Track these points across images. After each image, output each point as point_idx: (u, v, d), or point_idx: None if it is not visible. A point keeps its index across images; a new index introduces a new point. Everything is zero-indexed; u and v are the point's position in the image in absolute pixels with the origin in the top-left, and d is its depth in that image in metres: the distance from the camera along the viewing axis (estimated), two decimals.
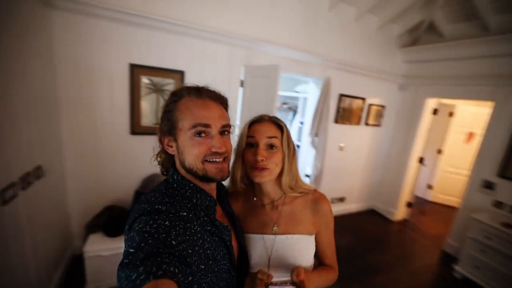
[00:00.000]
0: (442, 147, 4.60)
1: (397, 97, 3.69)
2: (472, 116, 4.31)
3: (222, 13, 2.28)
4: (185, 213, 0.59)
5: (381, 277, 2.45)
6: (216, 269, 0.61)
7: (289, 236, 0.80)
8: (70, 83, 1.90)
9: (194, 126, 0.60)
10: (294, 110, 4.51)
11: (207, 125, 0.61)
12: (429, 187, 4.78)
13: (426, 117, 3.45)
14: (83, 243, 1.88)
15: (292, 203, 0.84)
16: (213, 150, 0.62)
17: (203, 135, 0.61)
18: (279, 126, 0.80)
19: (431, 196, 4.75)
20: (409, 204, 3.78)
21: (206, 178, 0.64)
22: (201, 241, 0.58)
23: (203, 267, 0.57)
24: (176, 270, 0.45)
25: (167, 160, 0.71)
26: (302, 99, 3.79)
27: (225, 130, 0.65)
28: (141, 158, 2.23)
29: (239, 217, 0.85)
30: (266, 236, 0.80)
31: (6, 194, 1.19)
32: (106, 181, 2.19)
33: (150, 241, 0.47)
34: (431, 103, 3.41)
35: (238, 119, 2.51)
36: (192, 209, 0.63)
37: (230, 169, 0.76)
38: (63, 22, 1.79)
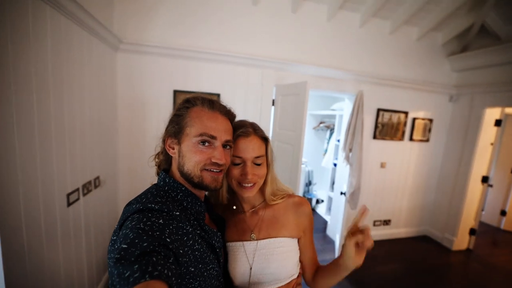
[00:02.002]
0: None
1: (447, 109, 3.34)
2: None
3: (251, 39, 2.48)
4: (178, 213, 0.59)
5: None
6: (205, 273, 0.61)
7: (272, 240, 0.79)
8: (127, 111, 2.27)
9: (201, 135, 0.63)
10: (331, 129, 4.41)
11: (213, 136, 0.63)
12: (503, 213, 4.02)
13: (487, 130, 3.01)
14: None
15: (273, 208, 0.84)
16: (213, 160, 0.63)
17: (206, 144, 0.64)
18: (264, 138, 0.79)
19: (505, 223, 3.96)
20: (473, 231, 3.22)
21: (200, 185, 0.65)
22: (191, 241, 0.58)
23: (192, 269, 0.57)
24: (170, 274, 0.44)
25: (165, 162, 0.73)
26: (338, 117, 3.71)
27: (228, 144, 0.68)
28: None
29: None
30: (246, 243, 0.79)
31: (71, 198, 1.46)
32: None
33: (144, 238, 0.46)
34: (492, 113, 2.99)
35: (270, 137, 2.59)
36: (183, 211, 0.63)
37: None
38: (124, 61, 2.19)
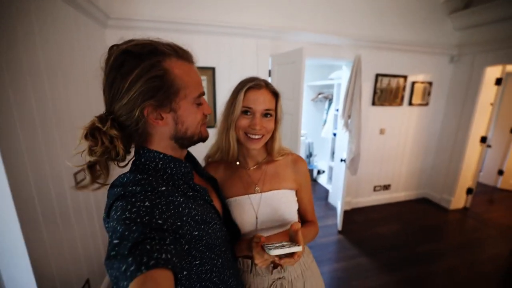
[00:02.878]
0: None
1: (447, 71, 3.27)
2: None
3: (245, 8, 2.37)
4: (163, 188, 0.54)
5: (431, 266, 2.24)
6: (209, 230, 0.62)
7: (275, 192, 0.85)
8: None
9: (199, 95, 0.61)
10: (329, 99, 4.37)
11: (203, 93, 0.64)
12: (500, 172, 4.11)
13: (487, 89, 2.98)
14: None
15: (274, 163, 0.90)
16: (205, 113, 0.65)
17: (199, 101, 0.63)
18: (275, 93, 0.82)
19: (502, 182, 4.07)
20: (470, 190, 3.32)
21: (199, 140, 0.66)
22: (187, 210, 0.57)
23: (196, 233, 0.57)
24: (169, 256, 0.41)
25: (127, 137, 0.58)
26: (336, 86, 3.65)
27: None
28: None
29: (222, 184, 0.87)
30: (252, 196, 0.84)
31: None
32: None
33: (134, 228, 0.43)
34: (493, 72, 2.94)
35: None
36: (169, 179, 0.60)
37: (222, 140, 0.84)
38: (113, 38, 2.11)
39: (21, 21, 1.11)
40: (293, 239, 0.65)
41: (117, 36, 2.11)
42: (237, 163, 0.90)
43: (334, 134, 3.70)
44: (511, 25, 2.64)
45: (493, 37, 2.82)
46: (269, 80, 2.62)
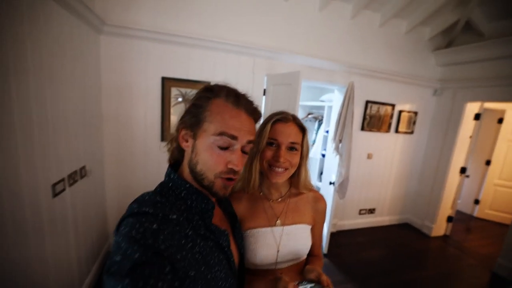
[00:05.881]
0: (490, 157, 4.14)
1: (431, 102, 3.47)
2: None
3: (243, 26, 2.42)
4: (174, 216, 0.54)
5: None
6: (209, 276, 0.56)
7: (297, 225, 0.86)
8: (112, 98, 2.16)
9: (220, 134, 0.56)
10: (319, 120, 4.46)
11: (234, 137, 0.57)
12: (476, 201, 4.29)
13: (467, 124, 3.17)
14: None
15: (296, 197, 0.91)
16: (229, 166, 0.58)
17: (225, 147, 0.58)
18: (302, 128, 0.83)
19: (478, 211, 4.25)
20: (450, 219, 3.43)
21: (208, 190, 0.60)
22: (190, 244, 0.54)
23: (192, 274, 0.52)
24: (165, 286, 0.42)
25: (177, 151, 0.67)
26: (327, 108, 3.75)
27: (247, 146, 0.62)
28: None
29: (245, 215, 0.85)
30: (275, 228, 0.84)
31: (57, 188, 1.39)
32: (139, 182, 2.39)
33: (136, 247, 0.44)
34: (472, 107, 3.13)
35: None
36: (185, 211, 0.59)
37: (245, 171, 0.82)
38: (108, 45, 2.07)
39: (11, 20, 1.05)
40: (306, 276, 0.71)
41: (111, 42, 2.08)
42: (261, 193, 0.89)
43: (323, 155, 3.74)
44: (489, 65, 2.87)
45: (473, 75, 3.04)
46: (263, 99, 2.63)
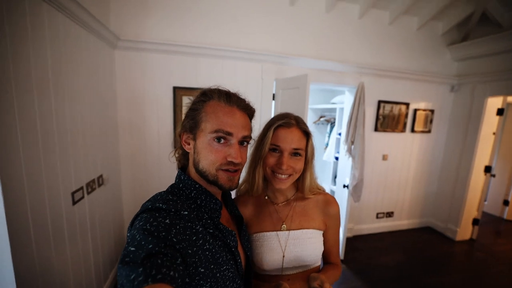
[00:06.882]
0: None
1: (449, 99, 3.32)
2: None
3: (250, 33, 2.46)
4: (186, 212, 0.57)
5: None
6: (218, 274, 0.58)
7: (304, 230, 0.83)
8: (126, 108, 2.26)
9: (216, 131, 0.60)
10: (331, 123, 4.40)
11: (229, 133, 0.61)
12: (505, 203, 4.02)
13: (489, 119, 3.00)
14: None
15: (304, 201, 0.87)
16: (229, 159, 0.61)
17: (222, 141, 0.61)
18: (306, 133, 0.80)
19: (508, 213, 3.97)
20: (476, 221, 3.22)
21: (215, 184, 0.63)
22: (201, 241, 0.56)
23: (202, 270, 0.55)
24: (176, 275, 0.43)
25: (183, 157, 0.71)
26: (339, 110, 3.69)
27: (245, 140, 0.65)
28: None
29: (251, 218, 0.85)
30: (280, 233, 0.82)
31: (76, 196, 1.46)
32: (154, 189, 2.44)
33: (150, 239, 0.46)
34: (494, 102, 2.97)
35: None
36: (195, 210, 0.62)
37: (249, 174, 0.82)
38: (122, 59, 2.18)
39: (36, 43, 1.14)
40: (309, 284, 0.68)
41: (125, 56, 2.19)
42: (266, 197, 0.88)
43: (336, 158, 3.68)
44: (508, 57, 2.72)
45: (492, 68, 2.89)
46: (273, 103, 2.65)
